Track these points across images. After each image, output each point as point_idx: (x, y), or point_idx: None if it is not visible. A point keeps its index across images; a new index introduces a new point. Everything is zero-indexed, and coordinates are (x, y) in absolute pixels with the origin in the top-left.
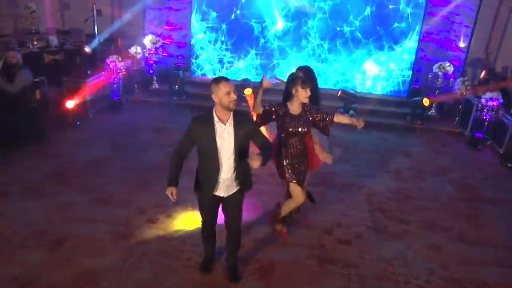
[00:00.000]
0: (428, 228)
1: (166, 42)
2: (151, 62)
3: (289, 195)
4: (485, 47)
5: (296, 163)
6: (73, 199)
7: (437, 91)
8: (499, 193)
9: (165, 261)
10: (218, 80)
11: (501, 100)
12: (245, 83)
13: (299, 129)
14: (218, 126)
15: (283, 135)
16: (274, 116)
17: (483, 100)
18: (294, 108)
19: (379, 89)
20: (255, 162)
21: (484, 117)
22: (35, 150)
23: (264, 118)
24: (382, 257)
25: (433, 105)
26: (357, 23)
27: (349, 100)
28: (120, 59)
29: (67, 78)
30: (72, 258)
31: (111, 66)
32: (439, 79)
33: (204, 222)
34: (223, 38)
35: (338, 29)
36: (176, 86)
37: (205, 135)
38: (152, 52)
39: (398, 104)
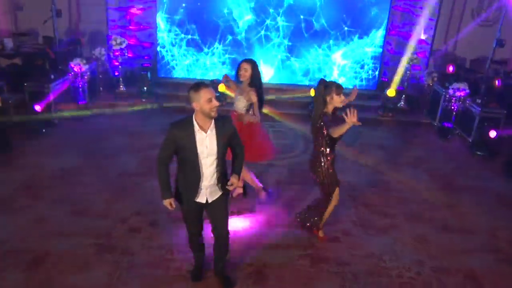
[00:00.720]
0: (412, 220)
1: (131, 42)
2: (116, 63)
3: (324, 200)
4: (444, 39)
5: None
6: (47, 212)
7: (405, 83)
8: (473, 180)
9: (154, 273)
10: (198, 87)
11: (468, 90)
12: (216, 82)
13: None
14: (199, 134)
15: (328, 142)
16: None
17: (450, 91)
18: (329, 111)
19: (348, 83)
20: (233, 186)
21: (452, 107)
22: (1, 161)
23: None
24: (372, 252)
25: (402, 97)
26: (323, 20)
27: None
28: (84, 61)
29: (29, 83)
30: (53, 276)
31: (75, 69)
32: (407, 72)
33: (190, 231)
34: (189, 36)
35: (303, 25)
36: (145, 88)
37: (185, 143)
38: (117, 53)
39: (368, 97)
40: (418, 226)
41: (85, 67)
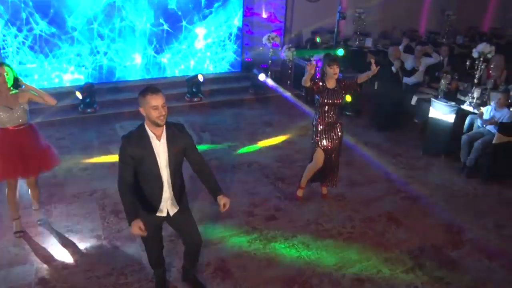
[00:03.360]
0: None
1: None
2: None
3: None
4: (284, 16)
5: (328, 130)
6: None
7: (269, 61)
8: (354, 137)
9: None
10: (145, 91)
11: None
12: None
13: (335, 101)
14: (154, 141)
15: (321, 105)
16: (315, 89)
17: (313, 62)
18: (330, 83)
19: (214, 69)
20: (226, 206)
21: (317, 76)
22: None
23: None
24: (308, 219)
25: (268, 74)
26: (175, 7)
27: (197, 84)
28: None
29: None
30: None
31: None
32: (270, 50)
33: (150, 249)
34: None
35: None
36: None
37: (143, 154)
38: None
39: (237, 79)
40: (331, 187)
41: None
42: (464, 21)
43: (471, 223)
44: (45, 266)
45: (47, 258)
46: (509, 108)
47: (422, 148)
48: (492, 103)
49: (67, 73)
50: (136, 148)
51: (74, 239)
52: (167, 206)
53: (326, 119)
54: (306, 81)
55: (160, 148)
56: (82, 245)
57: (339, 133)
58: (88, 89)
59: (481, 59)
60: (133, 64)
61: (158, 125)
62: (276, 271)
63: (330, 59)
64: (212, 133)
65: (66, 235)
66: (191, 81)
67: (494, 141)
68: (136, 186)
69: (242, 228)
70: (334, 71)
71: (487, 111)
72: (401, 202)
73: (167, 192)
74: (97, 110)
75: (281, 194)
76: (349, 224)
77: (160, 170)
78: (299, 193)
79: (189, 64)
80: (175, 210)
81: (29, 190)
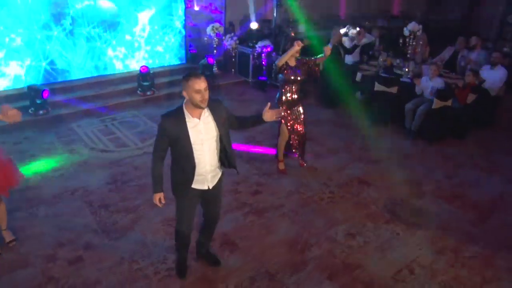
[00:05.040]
0: None
1: None
2: None
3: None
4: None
5: (291, 105)
6: None
7: (214, 51)
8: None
9: None
10: (188, 76)
11: (272, 46)
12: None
13: (297, 78)
14: (191, 121)
15: (284, 83)
16: (281, 68)
17: (258, 49)
18: (291, 61)
19: (162, 62)
20: (269, 114)
21: (262, 63)
22: None
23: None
24: (289, 190)
25: (215, 63)
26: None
27: (149, 77)
28: None
29: None
30: None
31: None
32: (215, 39)
33: (182, 229)
34: None
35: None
36: None
37: (178, 133)
38: None
39: (186, 70)
40: None
41: None
42: (379, 5)
43: (425, 177)
44: (49, 265)
45: (48, 257)
46: (440, 77)
47: (371, 119)
48: (426, 74)
49: (7, 76)
50: (172, 127)
51: (71, 236)
52: (209, 179)
53: (289, 94)
54: (283, 59)
55: (201, 124)
56: (81, 241)
57: (301, 109)
58: (33, 91)
59: (411, 36)
60: (80, 62)
61: (200, 108)
62: (276, 236)
63: (294, 38)
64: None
65: (61, 234)
66: (142, 75)
67: (433, 106)
68: (174, 163)
69: (232, 204)
70: (296, 50)
71: (424, 82)
72: (365, 167)
73: (207, 167)
74: (50, 111)
75: (258, 171)
76: (327, 190)
77: (195, 148)
78: (281, 166)
79: (137, 58)
80: (215, 183)
81: None
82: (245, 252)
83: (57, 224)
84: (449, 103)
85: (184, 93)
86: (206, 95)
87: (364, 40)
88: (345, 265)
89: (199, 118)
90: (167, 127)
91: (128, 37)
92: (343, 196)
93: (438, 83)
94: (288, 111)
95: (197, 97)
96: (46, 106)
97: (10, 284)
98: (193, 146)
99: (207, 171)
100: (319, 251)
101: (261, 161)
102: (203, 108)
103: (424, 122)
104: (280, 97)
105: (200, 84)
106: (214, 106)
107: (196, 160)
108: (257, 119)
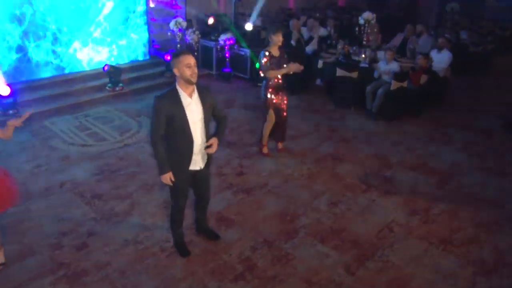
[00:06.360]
0: None
1: None
2: None
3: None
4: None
5: (276, 92)
6: None
7: (178, 45)
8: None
9: (146, 265)
10: (177, 53)
11: (235, 38)
12: None
13: (281, 66)
14: (185, 100)
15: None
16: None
17: (221, 42)
18: (275, 51)
19: (128, 58)
20: (212, 148)
21: (226, 55)
22: None
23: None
24: (270, 170)
25: None
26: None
27: (117, 74)
28: None
29: None
30: None
31: None
32: (178, 34)
33: (178, 204)
34: None
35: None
36: None
37: (174, 112)
38: None
39: (152, 65)
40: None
41: None
42: None
43: (390, 151)
44: (57, 252)
45: (55, 246)
46: (395, 61)
47: (334, 103)
48: (382, 59)
49: None
50: (168, 106)
51: (71, 225)
52: (199, 159)
53: (276, 79)
54: (274, 74)
55: (192, 105)
56: (83, 229)
57: (285, 97)
58: None
59: (366, 25)
60: (46, 60)
61: (191, 83)
62: (267, 210)
63: (275, 28)
64: (148, 115)
65: (60, 224)
66: (109, 72)
67: (391, 88)
68: (170, 143)
69: (221, 186)
70: (279, 39)
71: (382, 66)
72: (336, 145)
73: (199, 145)
74: (20, 111)
75: (239, 154)
76: (305, 167)
77: (190, 126)
78: (265, 150)
79: (102, 55)
80: (205, 162)
81: None
82: (241, 226)
83: (54, 216)
84: (405, 84)
85: (175, 70)
86: (196, 69)
87: (321, 33)
88: (333, 229)
89: (191, 98)
90: (164, 107)
91: (95, 35)
92: (320, 171)
93: (395, 66)
94: (274, 95)
95: (188, 72)
96: (16, 106)
97: (22, 271)
98: (189, 123)
99: (196, 151)
100: (308, 220)
101: (238, 146)
102: (193, 83)
103: (383, 103)
104: (267, 82)
105: (190, 59)
106: (203, 90)
107: (194, 137)
108: (215, 134)
